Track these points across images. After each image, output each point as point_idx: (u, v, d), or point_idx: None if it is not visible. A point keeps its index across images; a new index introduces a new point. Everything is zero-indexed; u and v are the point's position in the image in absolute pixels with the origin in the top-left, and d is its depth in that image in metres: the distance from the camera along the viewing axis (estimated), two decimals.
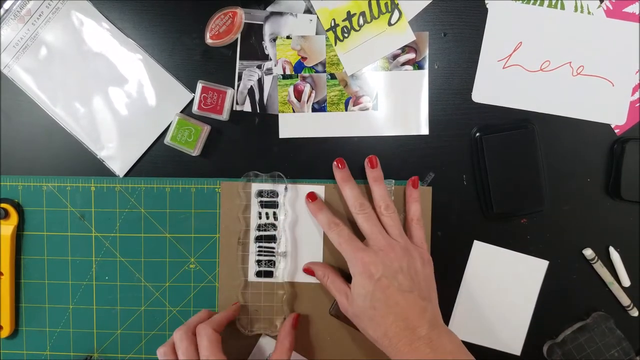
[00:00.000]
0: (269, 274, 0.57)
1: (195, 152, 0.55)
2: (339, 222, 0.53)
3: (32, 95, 0.57)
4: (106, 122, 0.57)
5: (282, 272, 0.57)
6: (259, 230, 0.57)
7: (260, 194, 0.57)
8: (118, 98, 0.57)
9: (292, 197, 0.57)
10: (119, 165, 0.58)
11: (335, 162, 0.55)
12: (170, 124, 0.55)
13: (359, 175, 0.57)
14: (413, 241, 0.53)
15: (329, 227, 0.53)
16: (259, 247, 0.57)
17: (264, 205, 0.57)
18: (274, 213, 0.57)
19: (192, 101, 0.57)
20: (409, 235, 0.54)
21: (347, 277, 0.53)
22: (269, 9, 0.56)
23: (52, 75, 0.57)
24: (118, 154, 0.58)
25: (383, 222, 0.53)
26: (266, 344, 0.57)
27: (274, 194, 0.57)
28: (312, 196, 0.56)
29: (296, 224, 0.57)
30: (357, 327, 0.52)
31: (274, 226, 0.57)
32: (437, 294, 0.52)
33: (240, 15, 0.55)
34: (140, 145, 0.57)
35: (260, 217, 0.57)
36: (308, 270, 0.56)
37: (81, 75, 0.57)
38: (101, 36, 0.57)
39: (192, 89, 0.57)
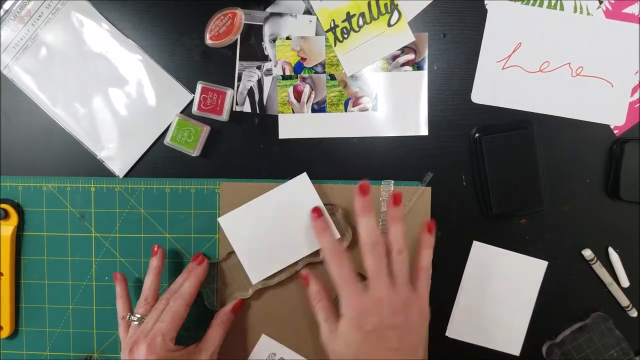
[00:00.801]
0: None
1: (195, 152, 0.55)
2: (342, 253, 0.49)
3: (32, 95, 0.57)
4: (106, 122, 0.58)
5: None
6: None
7: None
8: (118, 98, 0.57)
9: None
10: (119, 165, 0.58)
11: (357, 188, 0.49)
12: (170, 124, 0.55)
13: (358, 175, 0.57)
14: (417, 291, 0.48)
15: (331, 255, 0.49)
16: None
17: None
18: None
19: (191, 102, 0.57)
20: (414, 283, 0.49)
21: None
22: (269, 9, 0.56)
23: (52, 75, 0.57)
24: (118, 154, 0.58)
25: (392, 267, 0.48)
26: (267, 343, 0.58)
27: None
28: (318, 211, 0.53)
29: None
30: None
31: None
32: (425, 350, 0.53)
33: (240, 16, 0.55)
34: (140, 145, 0.58)
35: None
36: (305, 278, 0.53)
37: (81, 76, 0.57)
38: (101, 37, 0.57)
39: (192, 90, 0.57)
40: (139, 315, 0.52)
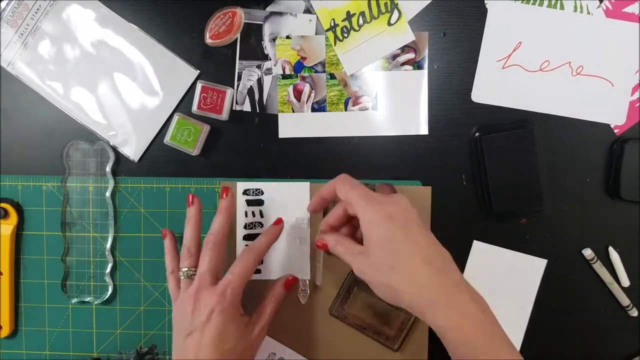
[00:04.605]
0: (257, 271, 0.58)
1: (195, 151, 0.55)
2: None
3: (38, 89, 0.57)
4: (115, 108, 0.57)
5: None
6: (246, 228, 0.57)
7: (245, 192, 0.57)
8: (124, 83, 0.57)
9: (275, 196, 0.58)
10: (134, 149, 0.58)
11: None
12: (170, 123, 0.55)
13: (358, 174, 0.57)
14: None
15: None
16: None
17: (250, 203, 0.57)
18: (260, 211, 0.57)
19: (193, 97, 0.56)
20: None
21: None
22: (269, 8, 0.56)
23: (57, 66, 0.57)
24: (131, 138, 0.58)
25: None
26: (267, 343, 0.57)
27: (259, 192, 0.57)
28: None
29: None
30: (383, 297, 0.46)
31: (260, 224, 0.58)
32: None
33: (240, 15, 0.55)
34: (153, 126, 0.57)
35: (246, 216, 0.57)
36: (321, 244, 0.51)
37: (86, 64, 0.57)
38: (102, 23, 0.57)
39: (192, 89, 0.57)
40: (185, 269, 0.50)
